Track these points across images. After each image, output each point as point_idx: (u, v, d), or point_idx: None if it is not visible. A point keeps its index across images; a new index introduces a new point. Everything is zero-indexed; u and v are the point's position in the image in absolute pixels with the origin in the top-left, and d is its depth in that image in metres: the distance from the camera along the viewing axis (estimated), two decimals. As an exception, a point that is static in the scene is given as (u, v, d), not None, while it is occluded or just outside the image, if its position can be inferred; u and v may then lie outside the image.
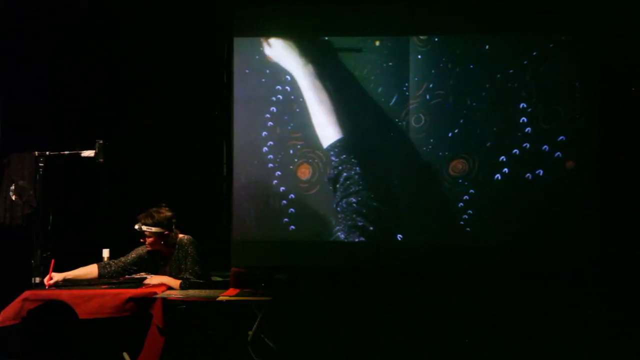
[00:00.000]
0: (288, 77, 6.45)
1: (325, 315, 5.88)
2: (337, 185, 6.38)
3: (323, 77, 6.43)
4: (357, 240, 6.37)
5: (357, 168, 6.37)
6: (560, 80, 6.30)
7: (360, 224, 6.37)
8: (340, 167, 6.38)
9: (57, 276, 4.65)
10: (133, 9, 6.29)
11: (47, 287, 4.59)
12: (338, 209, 6.38)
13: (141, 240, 4.81)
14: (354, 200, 6.36)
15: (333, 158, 6.40)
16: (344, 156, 6.39)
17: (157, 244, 4.80)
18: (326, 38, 6.46)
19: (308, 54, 6.45)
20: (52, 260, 4.67)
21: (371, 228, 6.37)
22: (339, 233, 6.38)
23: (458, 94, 6.37)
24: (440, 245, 6.32)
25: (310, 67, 6.43)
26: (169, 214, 4.81)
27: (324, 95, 6.40)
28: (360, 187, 6.37)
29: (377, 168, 6.40)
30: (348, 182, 6.36)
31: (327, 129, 6.42)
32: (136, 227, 4.76)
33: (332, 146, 6.40)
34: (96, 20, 6.24)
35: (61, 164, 5.09)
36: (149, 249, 4.83)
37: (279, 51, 6.47)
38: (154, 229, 4.75)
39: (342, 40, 6.44)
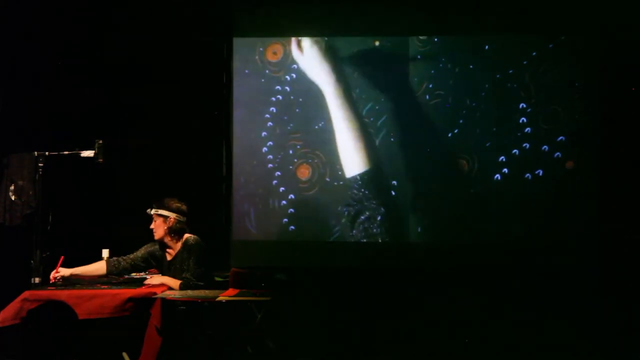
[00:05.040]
0: (288, 77, 6.45)
1: (325, 316, 5.88)
2: (356, 223, 6.34)
3: (355, 103, 6.40)
4: (356, 240, 6.37)
5: (382, 209, 6.33)
6: (560, 80, 6.30)
7: (373, 230, 6.37)
8: (360, 206, 6.34)
9: (64, 271, 4.71)
10: (133, 8, 6.29)
11: (51, 281, 4.64)
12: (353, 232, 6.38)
13: (150, 227, 4.88)
14: (368, 225, 6.36)
15: (354, 191, 6.37)
16: (367, 191, 6.35)
17: (160, 228, 4.86)
18: (326, 39, 6.46)
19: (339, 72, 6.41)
20: (62, 257, 4.75)
21: (375, 230, 6.37)
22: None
23: (458, 94, 6.37)
24: (440, 245, 6.32)
25: (340, 87, 6.40)
26: (179, 204, 4.91)
27: (354, 123, 6.36)
28: (381, 229, 6.33)
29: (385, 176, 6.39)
30: (367, 223, 6.33)
31: (353, 159, 6.38)
32: (147, 210, 4.89)
33: (355, 178, 6.37)
34: (96, 20, 6.24)
35: (61, 164, 5.09)
36: (155, 237, 4.90)
37: (312, 65, 6.43)
38: (160, 211, 4.84)
39: (348, 43, 6.44)
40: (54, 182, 5.11)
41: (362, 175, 6.36)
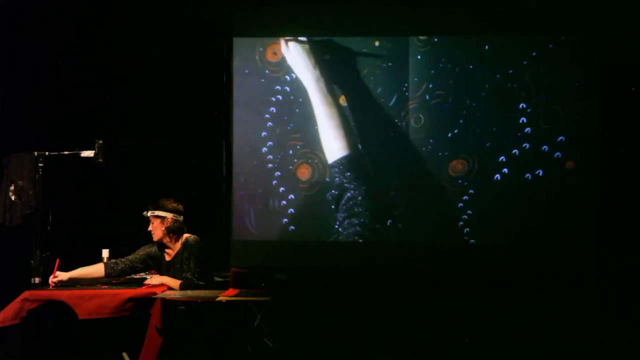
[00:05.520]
0: (288, 77, 6.45)
1: (324, 316, 5.88)
2: (340, 205, 6.35)
3: (334, 93, 6.40)
4: (357, 240, 6.36)
5: (363, 188, 6.33)
6: (560, 80, 6.29)
7: (359, 229, 6.36)
8: (343, 187, 6.34)
9: (62, 275, 4.68)
10: (133, 8, 6.29)
11: (50, 287, 4.62)
12: (340, 229, 6.36)
13: (148, 229, 4.85)
14: (356, 221, 6.34)
15: (337, 175, 6.37)
16: (349, 174, 6.36)
17: (159, 230, 4.86)
18: (325, 38, 6.46)
19: (321, 64, 6.41)
20: (57, 260, 4.70)
21: (373, 232, 6.36)
22: (340, 237, 6.37)
23: (458, 94, 6.37)
24: (440, 245, 6.32)
25: (322, 81, 6.40)
26: (175, 204, 4.91)
27: (334, 110, 6.38)
28: (363, 208, 6.33)
29: (379, 173, 6.38)
30: (351, 202, 6.33)
31: (334, 145, 6.39)
32: (144, 213, 4.87)
33: (338, 162, 6.37)
34: (96, 20, 6.25)
35: (61, 164, 5.09)
36: (154, 239, 4.89)
37: (295, 57, 6.43)
38: (156, 212, 4.84)
39: (346, 43, 6.43)
40: (54, 182, 5.11)
41: (354, 177, 6.37)
